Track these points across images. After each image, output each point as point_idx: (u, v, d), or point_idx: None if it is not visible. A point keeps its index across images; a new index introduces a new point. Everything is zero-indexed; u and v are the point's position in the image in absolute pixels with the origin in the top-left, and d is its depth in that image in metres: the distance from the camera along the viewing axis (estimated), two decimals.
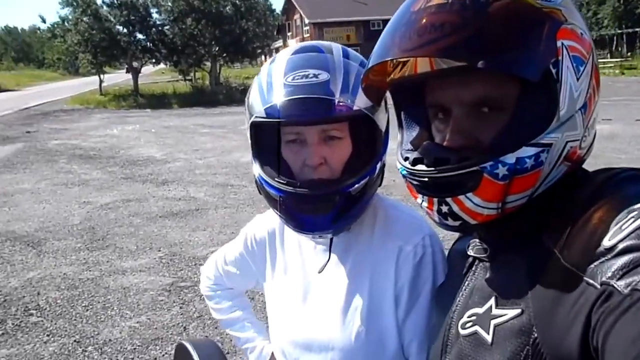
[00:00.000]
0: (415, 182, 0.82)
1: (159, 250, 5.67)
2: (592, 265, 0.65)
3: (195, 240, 5.96)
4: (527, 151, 0.73)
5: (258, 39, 31.42)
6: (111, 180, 9.07)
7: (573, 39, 0.76)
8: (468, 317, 0.84)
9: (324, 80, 1.04)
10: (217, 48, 27.88)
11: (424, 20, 0.75)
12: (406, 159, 0.84)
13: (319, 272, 1.17)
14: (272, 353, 1.35)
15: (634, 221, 0.64)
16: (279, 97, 1.04)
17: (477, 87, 0.77)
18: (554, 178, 0.77)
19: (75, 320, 4.18)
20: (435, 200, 0.80)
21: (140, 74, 27.96)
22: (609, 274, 0.62)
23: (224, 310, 1.49)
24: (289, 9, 48.21)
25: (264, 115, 1.05)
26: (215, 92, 25.09)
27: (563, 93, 0.74)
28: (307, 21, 42.12)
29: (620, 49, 31.10)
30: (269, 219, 1.32)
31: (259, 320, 1.52)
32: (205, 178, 9.01)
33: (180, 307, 4.33)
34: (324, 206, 1.06)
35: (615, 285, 0.60)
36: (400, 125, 0.91)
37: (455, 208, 0.78)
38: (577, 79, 0.75)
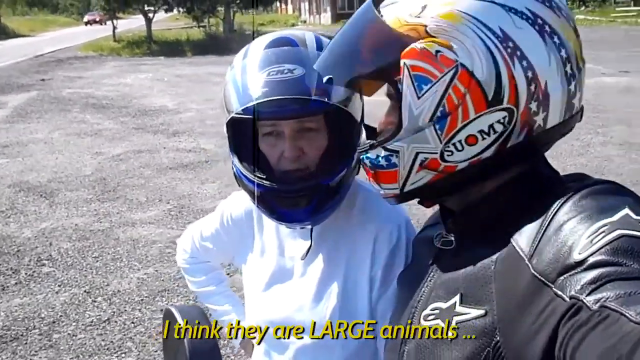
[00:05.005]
0: None
1: (168, 203, 5.77)
2: (562, 277, 0.65)
3: (204, 192, 6.04)
4: (381, 151, 0.85)
5: None
6: (123, 131, 9.15)
7: (420, 58, 0.77)
8: (431, 309, 0.85)
9: (299, 76, 1.03)
10: None
11: None
12: None
13: (302, 258, 1.19)
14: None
15: (604, 236, 0.64)
16: (255, 95, 1.04)
17: None
18: (419, 180, 0.83)
19: (85, 271, 4.32)
20: None
21: (153, 21, 27.55)
22: (578, 288, 0.62)
23: (200, 283, 1.53)
24: None
25: (242, 113, 1.06)
26: (229, 39, 24.70)
27: (403, 109, 0.80)
28: None
29: None
30: (246, 198, 1.30)
31: (234, 294, 1.55)
32: (216, 129, 9.00)
33: None
34: (301, 200, 1.08)
35: (585, 301, 0.60)
36: None
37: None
38: (419, 97, 0.78)
